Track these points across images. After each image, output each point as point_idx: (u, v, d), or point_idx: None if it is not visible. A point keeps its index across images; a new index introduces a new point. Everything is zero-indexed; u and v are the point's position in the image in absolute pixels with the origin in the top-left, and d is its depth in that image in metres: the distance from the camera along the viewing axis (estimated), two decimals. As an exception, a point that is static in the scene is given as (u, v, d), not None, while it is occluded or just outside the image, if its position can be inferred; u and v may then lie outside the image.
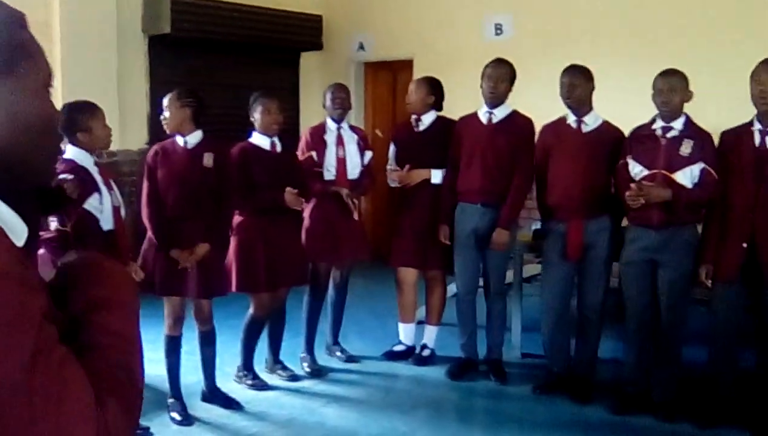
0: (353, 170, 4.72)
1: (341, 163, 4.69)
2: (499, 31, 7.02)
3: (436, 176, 4.65)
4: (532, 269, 5.18)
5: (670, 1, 6.10)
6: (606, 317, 4.39)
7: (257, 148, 4.31)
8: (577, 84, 4.17)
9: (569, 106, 4.23)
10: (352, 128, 4.91)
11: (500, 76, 4.42)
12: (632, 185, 3.81)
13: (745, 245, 3.68)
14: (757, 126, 3.68)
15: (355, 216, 4.64)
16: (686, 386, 4.17)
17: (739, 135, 3.75)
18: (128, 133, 6.20)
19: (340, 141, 4.72)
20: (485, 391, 4.50)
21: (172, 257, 3.83)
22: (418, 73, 6.72)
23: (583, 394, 4.27)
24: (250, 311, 4.39)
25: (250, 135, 4.38)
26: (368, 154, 4.81)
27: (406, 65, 7.56)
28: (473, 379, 4.63)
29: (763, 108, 3.62)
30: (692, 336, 4.40)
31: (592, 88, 4.22)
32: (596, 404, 4.21)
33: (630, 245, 4.03)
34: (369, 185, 4.92)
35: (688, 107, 3.93)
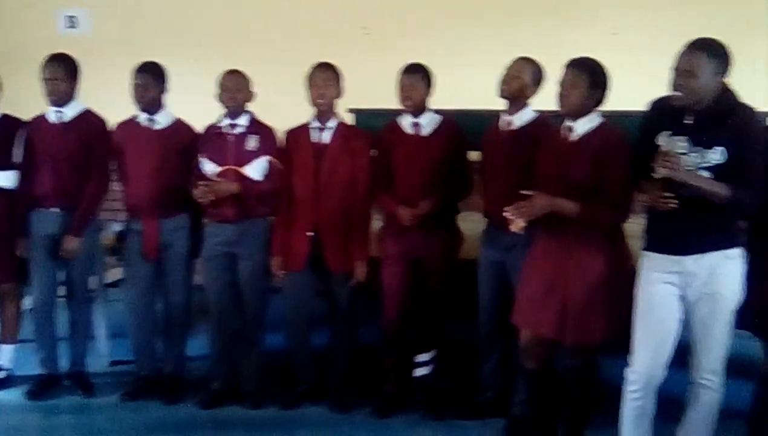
0: None
1: None
2: (72, 25, 6.68)
3: (4, 179, 4.23)
4: (116, 272, 4.98)
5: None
6: (195, 314, 4.42)
7: None
8: (151, 86, 4.12)
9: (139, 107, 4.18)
10: None
11: (55, 74, 4.15)
12: (200, 184, 3.90)
13: (310, 233, 3.97)
14: (315, 124, 4.03)
15: None
16: (270, 372, 4.36)
17: (299, 132, 4.06)
18: None
19: None
20: (70, 406, 4.24)
21: None
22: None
23: (173, 394, 4.26)
24: None
25: None
26: None
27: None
28: (57, 396, 4.34)
29: (322, 108, 3.97)
30: (272, 323, 4.66)
31: (163, 91, 4.19)
32: (187, 402, 4.22)
33: (209, 240, 4.13)
34: None
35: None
